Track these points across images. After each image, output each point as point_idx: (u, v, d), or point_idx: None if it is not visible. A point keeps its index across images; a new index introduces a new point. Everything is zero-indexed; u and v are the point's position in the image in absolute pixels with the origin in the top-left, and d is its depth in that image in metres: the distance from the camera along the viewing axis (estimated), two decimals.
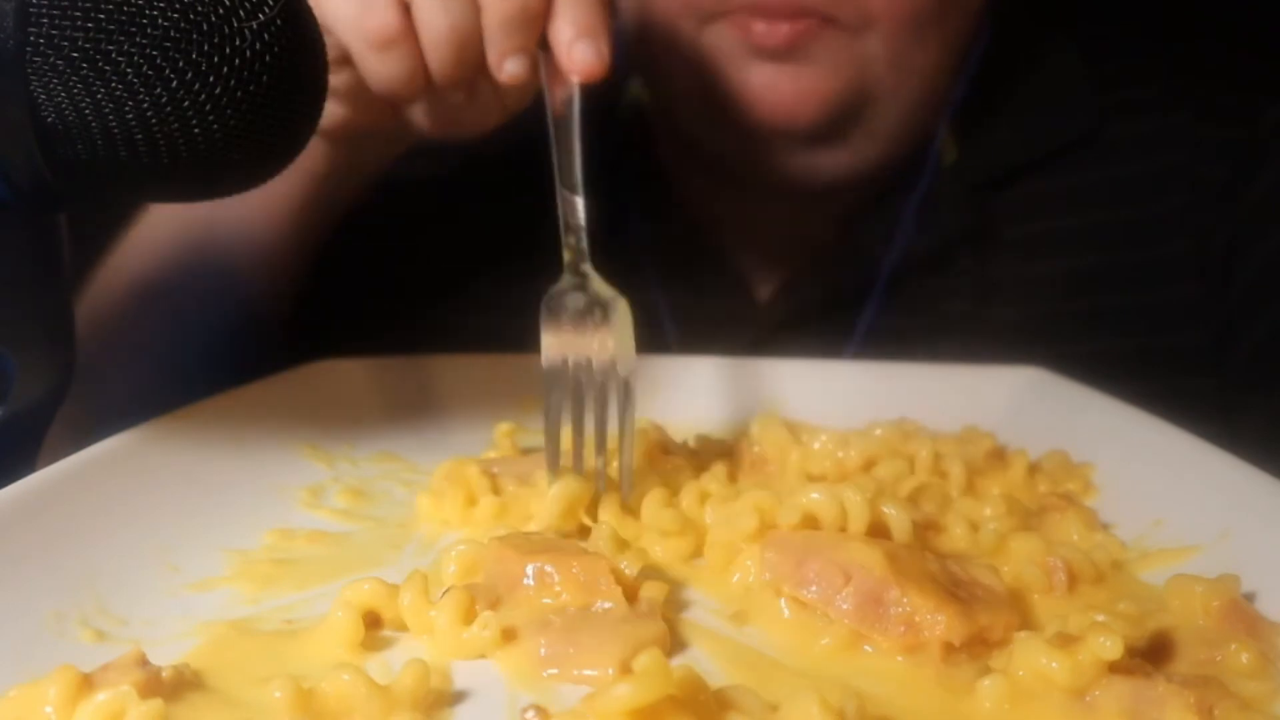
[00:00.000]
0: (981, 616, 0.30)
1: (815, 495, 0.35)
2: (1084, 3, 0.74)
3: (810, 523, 0.35)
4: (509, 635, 0.31)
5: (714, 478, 0.43)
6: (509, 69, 0.49)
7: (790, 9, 0.59)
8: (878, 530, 0.35)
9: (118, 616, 0.33)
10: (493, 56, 0.49)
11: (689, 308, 0.71)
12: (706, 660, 0.31)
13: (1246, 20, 0.73)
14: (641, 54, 0.68)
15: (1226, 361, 0.66)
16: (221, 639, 0.32)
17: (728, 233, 0.72)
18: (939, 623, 0.30)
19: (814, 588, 0.32)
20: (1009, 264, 0.68)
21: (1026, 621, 0.33)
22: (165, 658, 0.29)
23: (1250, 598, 0.33)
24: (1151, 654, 0.30)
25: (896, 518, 0.35)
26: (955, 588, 0.32)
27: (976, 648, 0.30)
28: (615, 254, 0.74)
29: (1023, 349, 0.58)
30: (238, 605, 0.35)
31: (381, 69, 0.49)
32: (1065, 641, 0.28)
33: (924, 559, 0.33)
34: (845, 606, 0.31)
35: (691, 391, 0.55)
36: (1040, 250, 0.68)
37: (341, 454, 0.48)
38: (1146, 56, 0.70)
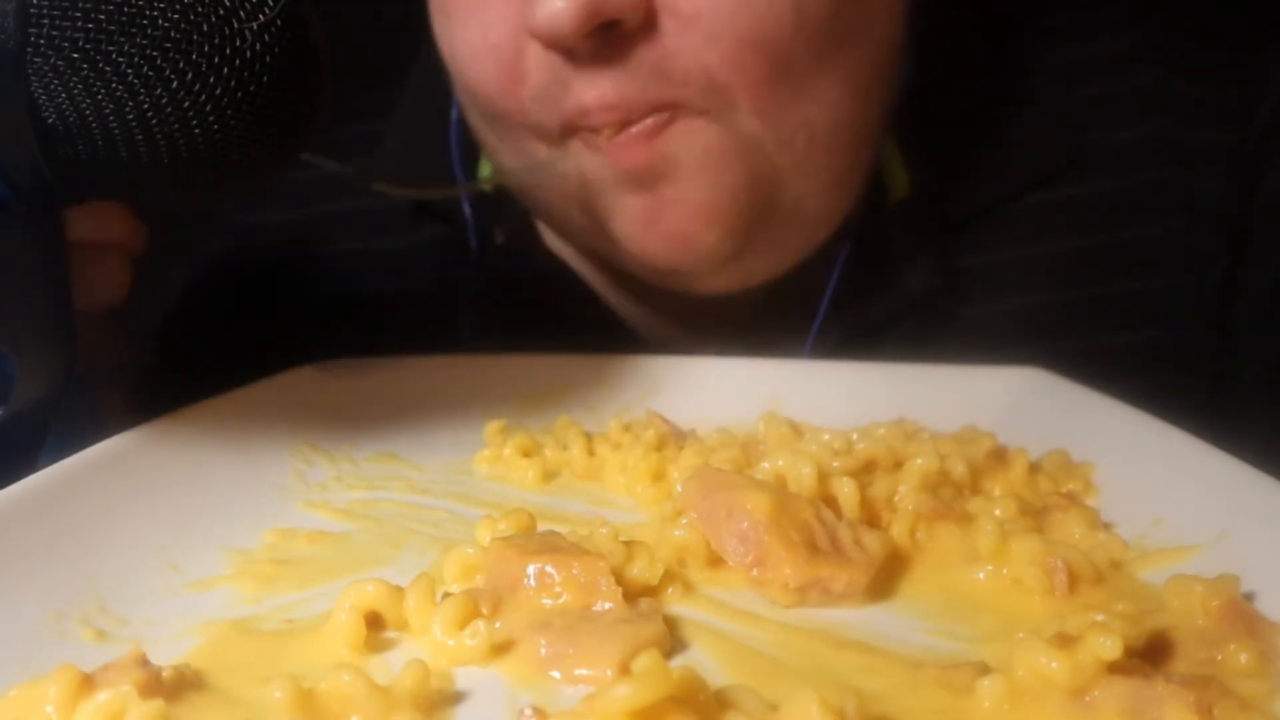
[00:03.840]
0: (824, 569, 0.34)
1: (780, 463, 0.39)
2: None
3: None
4: (501, 646, 0.31)
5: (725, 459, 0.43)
6: None
7: (633, 103, 0.48)
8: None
9: (118, 616, 0.33)
10: None
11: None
12: (706, 660, 0.31)
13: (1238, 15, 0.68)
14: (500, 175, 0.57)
15: (1235, 375, 0.61)
16: (222, 639, 0.32)
17: (636, 319, 0.62)
18: (784, 561, 0.34)
19: (707, 519, 0.36)
20: (977, 299, 0.60)
21: (1021, 624, 0.33)
22: (166, 657, 0.29)
23: (1250, 598, 0.33)
24: (1151, 654, 0.30)
25: (846, 493, 0.38)
26: (823, 541, 0.35)
27: (813, 592, 0.34)
28: (502, 331, 0.61)
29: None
30: (238, 605, 0.35)
31: None
32: (1065, 641, 0.28)
33: (807, 512, 0.35)
34: (729, 540, 0.35)
35: (691, 392, 0.55)
36: (1012, 283, 0.60)
37: (342, 454, 0.48)
38: (1121, 46, 0.63)
